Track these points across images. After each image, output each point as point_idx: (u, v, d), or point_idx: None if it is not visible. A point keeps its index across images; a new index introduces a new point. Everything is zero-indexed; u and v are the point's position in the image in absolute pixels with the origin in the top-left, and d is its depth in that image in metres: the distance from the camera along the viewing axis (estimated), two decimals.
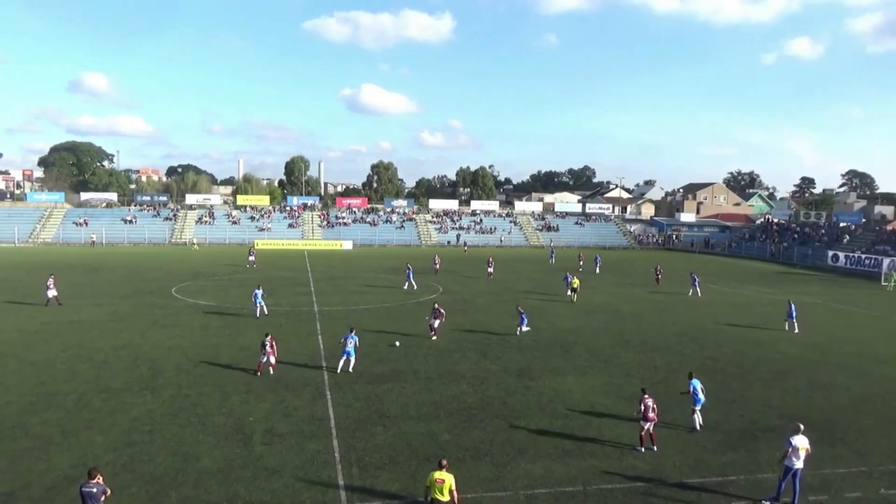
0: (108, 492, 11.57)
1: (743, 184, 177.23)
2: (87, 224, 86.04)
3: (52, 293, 35.12)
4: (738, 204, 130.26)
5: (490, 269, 50.88)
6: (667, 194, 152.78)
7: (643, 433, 16.50)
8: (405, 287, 43.49)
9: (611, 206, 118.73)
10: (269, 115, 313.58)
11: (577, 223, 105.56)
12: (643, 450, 16.38)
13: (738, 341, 29.99)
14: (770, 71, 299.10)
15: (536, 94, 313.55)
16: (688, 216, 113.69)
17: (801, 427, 14.28)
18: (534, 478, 14.78)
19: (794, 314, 32.76)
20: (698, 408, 17.93)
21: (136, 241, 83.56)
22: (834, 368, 25.56)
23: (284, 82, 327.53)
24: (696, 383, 18.06)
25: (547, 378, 22.98)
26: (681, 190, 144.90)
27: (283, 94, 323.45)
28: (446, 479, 12.00)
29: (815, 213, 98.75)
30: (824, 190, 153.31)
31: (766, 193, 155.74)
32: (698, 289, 44.68)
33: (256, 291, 33.46)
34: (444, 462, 12.43)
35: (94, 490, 11.33)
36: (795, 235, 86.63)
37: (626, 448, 16.62)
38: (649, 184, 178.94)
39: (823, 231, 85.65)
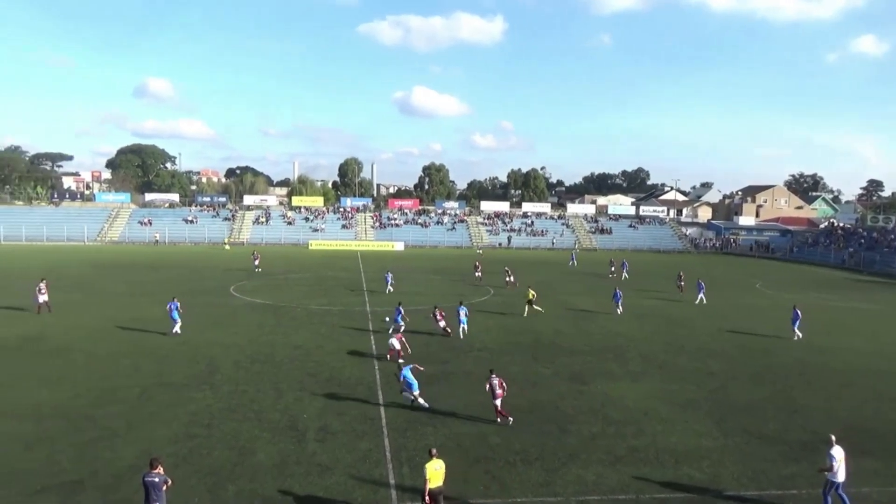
0: (169, 482, 11.98)
1: (805, 186, 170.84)
2: (150, 224, 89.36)
3: (42, 298, 32.71)
4: (800, 207, 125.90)
5: (509, 279, 47.83)
6: (724, 197, 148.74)
7: (500, 410, 17.96)
8: (387, 291, 43.03)
9: (665, 208, 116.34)
10: (323, 118, 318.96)
11: (630, 226, 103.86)
12: (510, 420, 17.97)
13: (798, 349, 28.94)
14: (833, 69, 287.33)
15: (589, 95, 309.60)
16: (747, 219, 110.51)
17: (834, 437, 13.72)
18: (585, 484, 14.59)
19: (798, 321, 31.20)
20: (416, 392, 19.07)
21: (196, 241, 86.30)
22: None
23: (338, 85, 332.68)
24: (407, 371, 19.46)
25: (599, 383, 22.67)
26: (739, 192, 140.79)
27: (337, 96, 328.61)
28: (442, 466, 12.70)
29: (883, 216, 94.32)
30: (893, 193, 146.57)
31: (831, 196, 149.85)
32: (703, 296, 42.28)
33: (172, 304, 28.92)
34: (434, 451, 13.00)
35: (157, 480, 11.74)
36: (862, 240, 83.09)
37: (681, 456, 16.24)
38: (706, 186, 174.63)
39: (893, 236, 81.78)
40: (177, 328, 28.39)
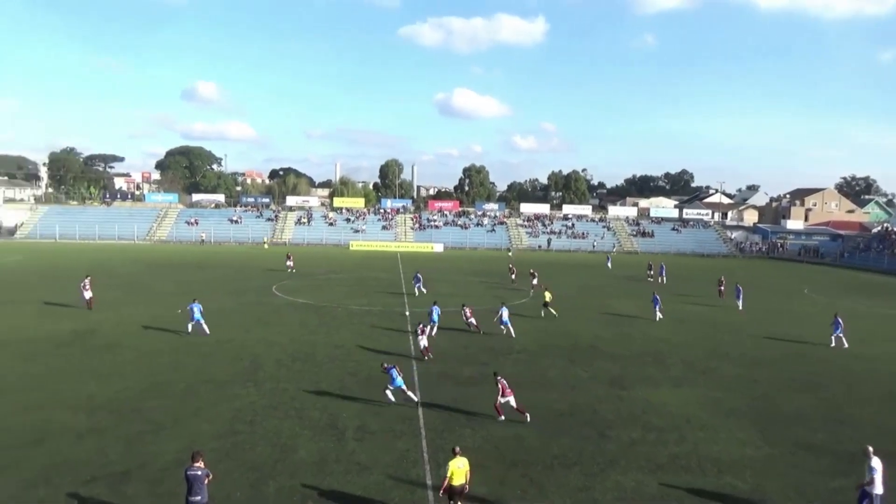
0: (211, 475, 12.29)
1: (857, 189, 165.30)
2: (197, 224, 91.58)
3: (87, 295, 33.85)
4: (851, 211, 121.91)
5: (534, 282, 46.57)
6: (772, 200, 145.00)
7: (497, 405, 18.36)
8: (416, 294, 42.89)
9: (710, 211, 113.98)
10: (364, 120, 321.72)
11: (673, 229, 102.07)
12: (502, 418, 18.33)
13: (845, 357, 28.06)
14: (887, 67, 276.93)
15: (632, 96, 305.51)
16: (795, 223, 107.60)
17: (871, 448, 13.28)
18: (625, 490, 14.43)
19: (839, 329, 30.14)
20: (391, 388, 19.49)
21: (240, 241, 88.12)
22: None
23: (379, 87, 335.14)
24: (393, 370, 19.75)
25: (639, 388, 22.36)
26: (787, 195, 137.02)
27: (379, 98, 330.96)
28: (465, 464, 12.87)
29: None
30: None
31: (885, 200, 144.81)
32: (740, 302, 41.15)
33: (193, 305, 28.64)
34: (458, 449, 13.25)
35: (199, 473, 12.06)
36: None
37: (724, 465, 15.92)
38: (752, 189, 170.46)
39: None
40: (189, 326, 28.20)
